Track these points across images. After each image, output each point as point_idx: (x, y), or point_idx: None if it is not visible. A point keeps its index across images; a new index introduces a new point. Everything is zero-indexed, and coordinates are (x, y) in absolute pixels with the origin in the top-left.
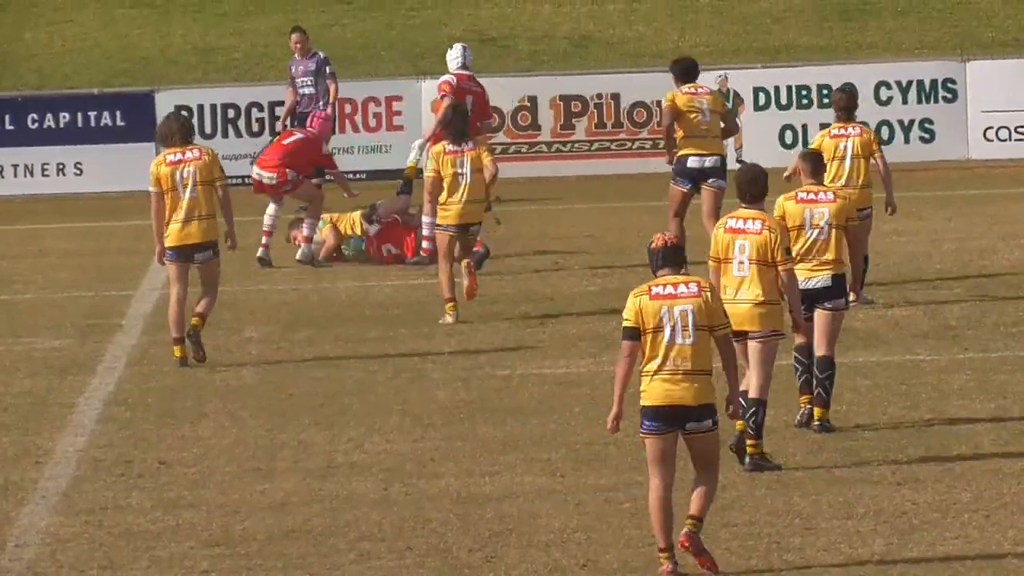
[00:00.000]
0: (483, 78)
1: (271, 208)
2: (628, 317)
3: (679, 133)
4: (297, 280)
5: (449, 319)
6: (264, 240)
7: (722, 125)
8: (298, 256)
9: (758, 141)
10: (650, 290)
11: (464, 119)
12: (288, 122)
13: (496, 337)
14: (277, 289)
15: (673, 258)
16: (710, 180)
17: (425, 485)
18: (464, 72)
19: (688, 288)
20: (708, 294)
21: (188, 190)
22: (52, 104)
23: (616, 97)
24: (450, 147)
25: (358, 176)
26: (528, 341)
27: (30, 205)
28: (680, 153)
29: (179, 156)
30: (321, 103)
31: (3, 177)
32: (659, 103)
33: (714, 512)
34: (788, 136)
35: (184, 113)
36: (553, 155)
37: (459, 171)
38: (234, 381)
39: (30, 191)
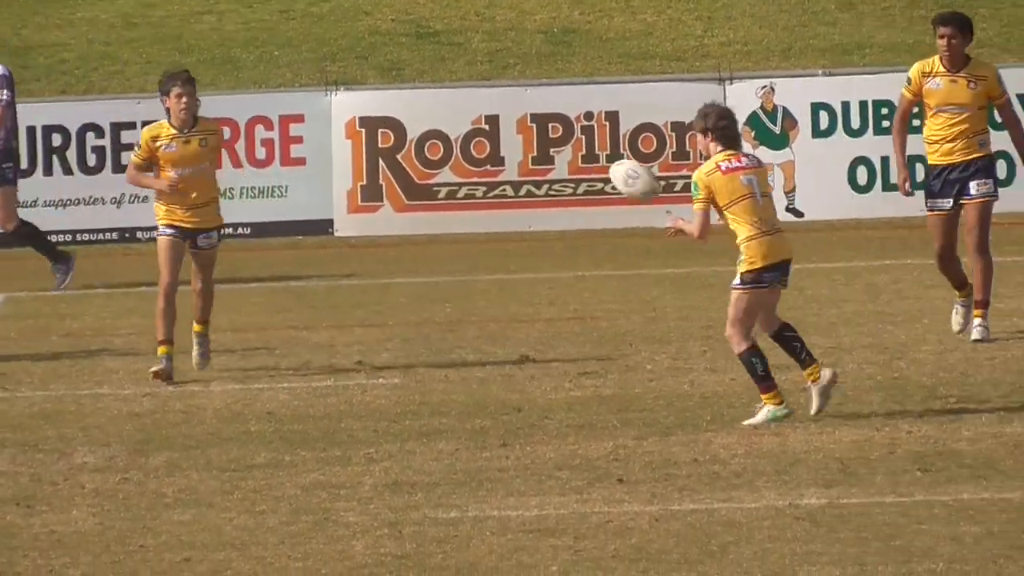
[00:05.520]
0: (421, 89)
1: None
2: None
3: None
4: (152, 382)
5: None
6: None
7: None
8: None
9: (818, 180)
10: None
11: None
12: None
13: (438, 465)
14: (123, 394)
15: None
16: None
17: None
18: None
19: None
20: None
21: None
22: None
23: (613, 117)
24: None
25: (240, 230)
26: (485, 470)
27: None
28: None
29: None
30: None
31: None
32: (685, 124)
33: None
34: (861, 175)
35: None
36: (522, 200)
37: None
38: (61, 527)
39: None
